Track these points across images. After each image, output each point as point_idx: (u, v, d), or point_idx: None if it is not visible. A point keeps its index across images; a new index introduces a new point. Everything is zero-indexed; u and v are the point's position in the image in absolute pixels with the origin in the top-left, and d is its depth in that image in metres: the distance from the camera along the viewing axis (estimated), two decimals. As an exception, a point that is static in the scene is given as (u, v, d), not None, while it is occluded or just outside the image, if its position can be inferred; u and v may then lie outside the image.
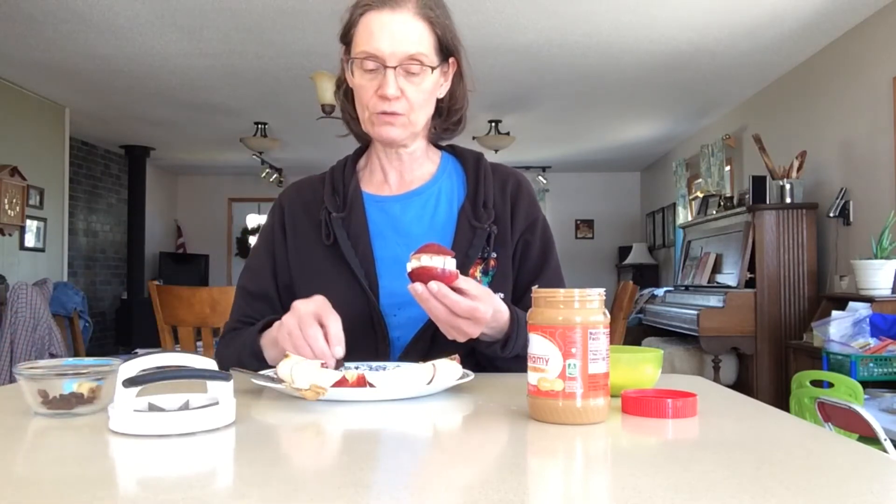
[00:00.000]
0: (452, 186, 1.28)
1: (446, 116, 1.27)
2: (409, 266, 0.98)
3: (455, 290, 0.99)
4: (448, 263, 0.97)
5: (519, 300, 1.25)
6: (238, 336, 1.22)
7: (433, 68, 1.16)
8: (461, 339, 1.03)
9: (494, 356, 1.14)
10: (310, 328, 1.01)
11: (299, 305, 1.04)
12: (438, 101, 1.23)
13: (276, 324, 1.09)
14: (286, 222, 1.28)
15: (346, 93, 1.25)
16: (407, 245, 1.20)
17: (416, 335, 1.19)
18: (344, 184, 1.27)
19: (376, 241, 1.23)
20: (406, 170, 1.27)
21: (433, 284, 0.96)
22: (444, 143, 1.35)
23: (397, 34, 1.12)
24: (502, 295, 1.21)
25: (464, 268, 1.19)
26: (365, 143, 1.32)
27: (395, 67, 1.12)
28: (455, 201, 1.27)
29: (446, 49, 1.19)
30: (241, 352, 1.16)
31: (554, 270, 1.28)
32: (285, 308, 1.09)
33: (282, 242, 1.28)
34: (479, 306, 1.00)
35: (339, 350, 1.02)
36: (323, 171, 1.33)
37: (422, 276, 0.97)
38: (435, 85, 1.19)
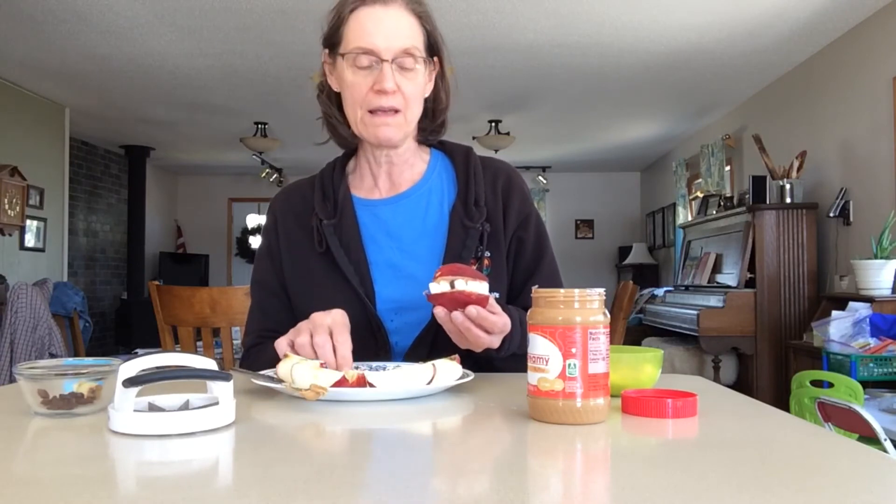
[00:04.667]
0: (442, 185, 1.27)
1: (431, 117, 1.25)
2: (438, 289, 0.96)
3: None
4: (481, 288, 0.96)
5: (515, 298, 1.25)
6: (267, 345, 1.19)
7: (424, 61, 1.16)
8: (478, 350, 1.03)
9: (491, 357, 1.14)
10: (319, 336, 0.99)
11: (317, 316, 1.02)
12: (424, 101, 1.21)
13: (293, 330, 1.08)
14: (279, 232, 1.27)
15: (329, 96, 1.23)
16: (400, 249, 1.20)
17: (416, 339, 1.19)
18: (334, 189, 1.26)
19: (369, 247, 1.22)
20: (395, 172, 1.26)
21: (472, 310, 0.96)
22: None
23: (391, 28, 1.12)
24: (496, 295, 1.21)
25: None
26: (349, 148, 1.29)
27: (391, 61, 1.12)
28: (446, 201, 1.25)
29: (433, 46, 1.19)
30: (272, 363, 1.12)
31: (549, 266, 1.27)
32: (300, 317, 1.08)
33: (278, 253, 1.27)
34: (508, 321, 1.02)
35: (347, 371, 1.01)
36: (312, 175, 1.31)
37: (457, 302, 0.96)
38: (425, 80, 1.19)
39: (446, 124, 1.28)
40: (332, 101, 1.23)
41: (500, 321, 1.00)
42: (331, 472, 0.65)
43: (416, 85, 1.16)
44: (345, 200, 1.24)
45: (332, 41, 1.18)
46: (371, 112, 1.14)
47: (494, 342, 1.03)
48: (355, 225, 1.22)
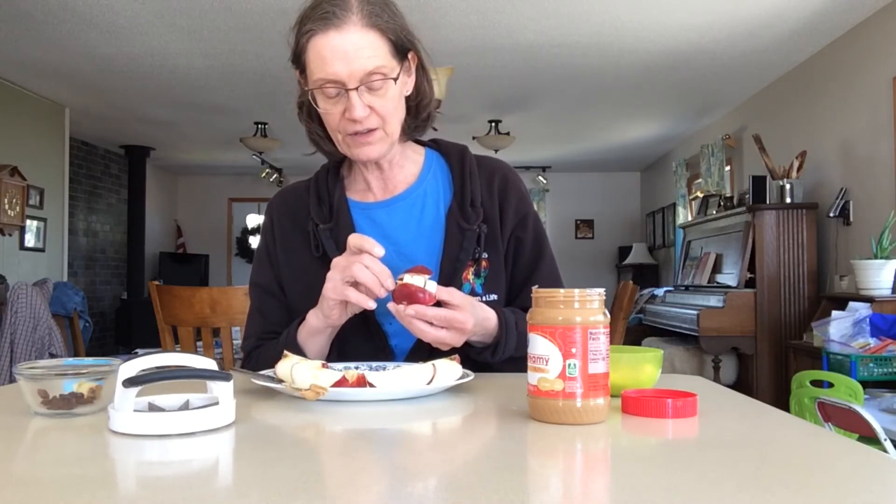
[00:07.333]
0: (438, 186, 1.25)
1: (415, 113, 1.21)
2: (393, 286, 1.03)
3: (437, 301, 1.02)
4: (428, 284, 1.01)
5: (515, 298, 1.25)
6: (268, 346, 1.20)
7: (395, 78, 1.10)
8: (445, 349, 1.05)
9: (486, 362, 1.14)
10: (364, 259, 1.03)
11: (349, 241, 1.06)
12: (407, 98, 1.17)
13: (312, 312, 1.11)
14: (276, 234, 1.27)
15: (309, 113, 1.20)
16: (396, 252, 1.20)
17: (417, 341, 1.18)
18: (329, 192, 1.25)
19: None
20: (388, 176, 1.24)
21: (410, 309, 1.00)
22: (426, 139, 1.31)
23: (350, 54, 1.06)
24: (495, 297, 1.20)
25: (455, 271, 1.18)
26: (336, 160, 1.27)
27: (357, 88, 1.07)
28: (441, 202, 1.24)
29: (403, 48, 1.12)
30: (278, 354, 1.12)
31: (549, 266, 1.26)
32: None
33: (275, 255, 1.27)
34: (457, 315, 1.02)
35: (390, 282, 1.03)
36: (309, 178, 1.30)
37: (402, 294, 1.01)
38: (401, 89, 1.14)
39: (432, 118, 1.24)
40: (313, 118, 1.20)
41: (442, 315, 1.01)
42: (331, 472, 0.65)
43: (390, 98, 1.11)
44: (340, 204, 1.24)
45: (299, 66, 1.15)
46: (351, 134, 1.12)
47: (453, 339, 1.03)
48: (351, 229, 1.21)
